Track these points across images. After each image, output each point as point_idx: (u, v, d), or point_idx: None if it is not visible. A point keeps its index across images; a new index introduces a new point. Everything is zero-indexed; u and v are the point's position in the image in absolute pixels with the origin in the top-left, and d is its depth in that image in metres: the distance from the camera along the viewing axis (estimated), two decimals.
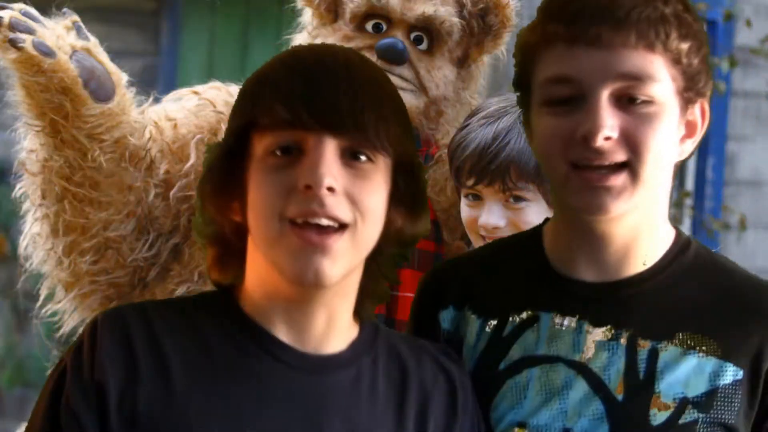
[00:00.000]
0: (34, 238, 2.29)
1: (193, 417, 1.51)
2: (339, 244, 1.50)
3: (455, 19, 2.32)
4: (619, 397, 1.63)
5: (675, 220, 6.76)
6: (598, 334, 1.65)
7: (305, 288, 1.52)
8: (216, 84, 2.44)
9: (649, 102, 1.61)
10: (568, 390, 1.64)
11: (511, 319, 1.70)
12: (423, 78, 2.31)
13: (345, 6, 2.34)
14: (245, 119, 1.55)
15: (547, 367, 1.66)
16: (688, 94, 1.66)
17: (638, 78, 1.60)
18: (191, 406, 1.50)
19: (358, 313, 1.62)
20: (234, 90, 2.42)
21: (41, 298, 2.36)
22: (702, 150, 7.19)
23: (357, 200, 1.52)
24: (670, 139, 1.64)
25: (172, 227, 2.30)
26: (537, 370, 1.66)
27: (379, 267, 1.60)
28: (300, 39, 2.41)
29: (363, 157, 1.52)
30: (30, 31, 2.09)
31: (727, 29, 7.00)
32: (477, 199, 2.21)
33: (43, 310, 2.37)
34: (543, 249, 1.72)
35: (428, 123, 2.35)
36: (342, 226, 1.51)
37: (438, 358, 1.65)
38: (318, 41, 2.35)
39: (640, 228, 1.66)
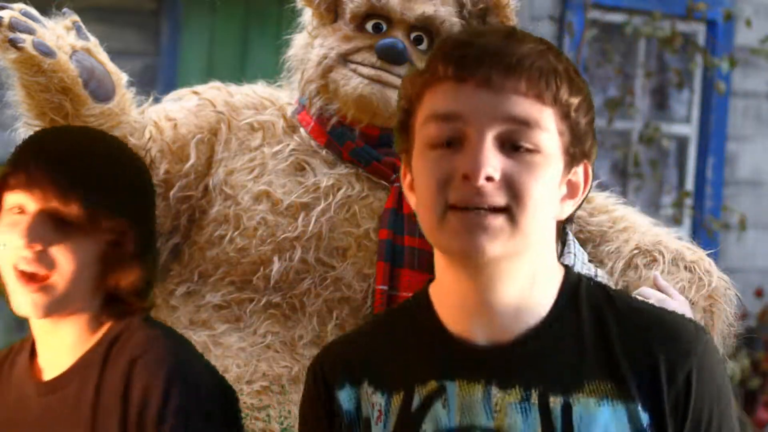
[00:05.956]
0: None
1: None
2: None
3: (455, 19, 2.32)
4: None
5: (675, 221, 6.76)
6: (507, 396, 1.59)
7: None
8: (216, 84, 2.44)
9: (533, 151, 1.57)
10: None
11: (417, 391, 1.63)
12: None
13: (345, 6, 2.34)
14: None
15: None
16: (574, 151, 1.62)
17: (526, 123, 1.57)
18: None
19: None
20: (234, 90, 2.42)
21: None
22: (702, 150, 7.19)
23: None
24: (551, 191, 1.60)
25: (172, 227, 2.30)
26: None
27: None
28: (300, 39, 2.42)
29: None
30: (30, 31, 2.09)
31: (727, 29, 7.00)
32: None
33: None
34: (434, 312, 1.66)
35: None
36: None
37: None
38: (318, 41, 2.35)
39: (524, 283, 1.61)
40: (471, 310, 1.62)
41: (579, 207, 1.68)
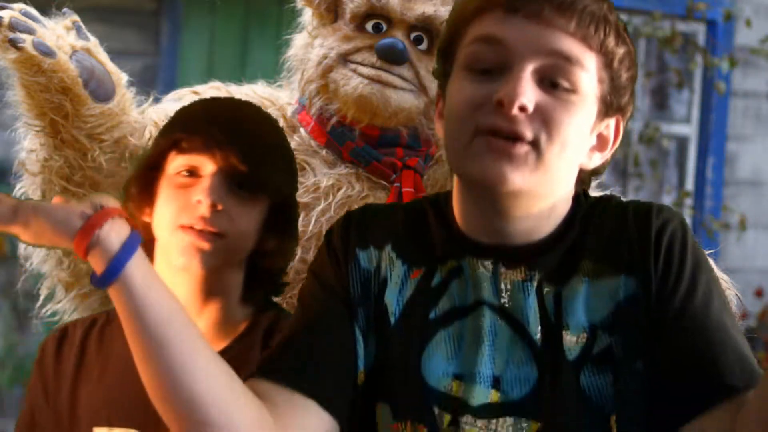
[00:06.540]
0: None
1: None
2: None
3: None
4: (538, 339, 1.63)
5: None
6: (513, 274, 1.66)
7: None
8: (216, 84, 2.44)
9: (570, 90, 1.60)
10: (494, 336, 1.64)
11: (438, 270, 1.69)
12: (423, 78, 2.31)
13: (345, 6, 2.34)
14: None
15: (475, 314, 1.65)
16: (610, 101, 1.65)
17: (568, 59, 1.60)
18: None
19: None
20: (234, 90, 2.42)
21: (41, 298, 2.36)
22: (702, 150, 7.18)
23: None
24: (582, 135, 1.64)
25: None
26: (467, 320, 1.66)
27: None
28: (300, 39, 2.42)
29: None
30: (30, 31, 2.09)
31: (727, 29, 7.00)
32: None
33: (43, 310, 2.36)
34: (453, 214, 1.71)
35: (428, 123, 2.35)
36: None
37: None
38: (318, 41, 2.35)
39: (540, 218, 1.66)
40: (486, 228, 1.66)
41: (606, 163, 1.70)
